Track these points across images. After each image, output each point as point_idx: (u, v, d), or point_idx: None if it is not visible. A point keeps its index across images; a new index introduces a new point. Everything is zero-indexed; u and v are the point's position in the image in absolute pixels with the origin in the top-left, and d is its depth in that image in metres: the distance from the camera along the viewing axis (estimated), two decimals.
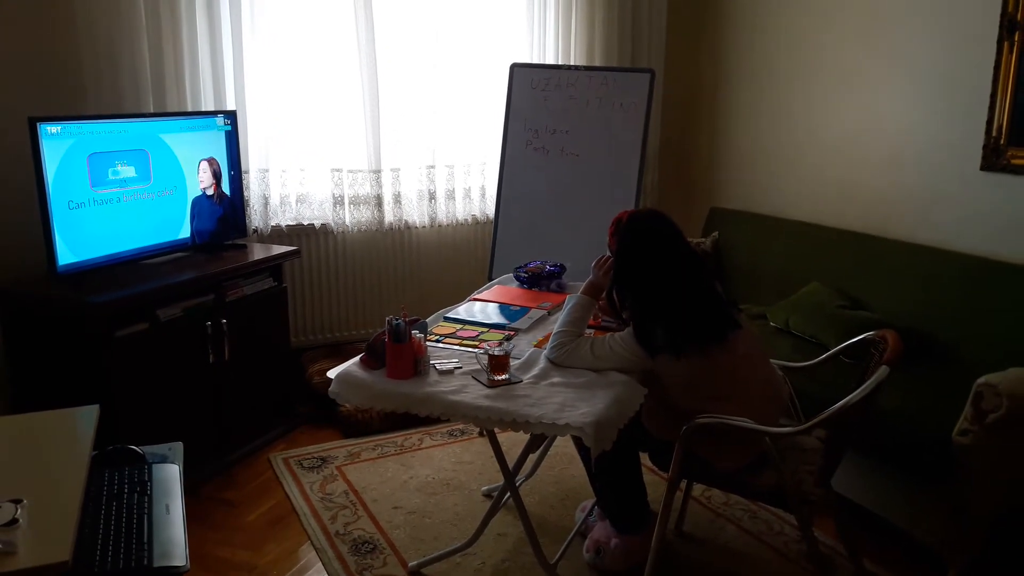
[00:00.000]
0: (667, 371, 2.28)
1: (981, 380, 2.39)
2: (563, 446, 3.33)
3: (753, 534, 2.85)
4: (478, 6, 4.18)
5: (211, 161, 3.36)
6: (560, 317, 2.43)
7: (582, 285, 2.52)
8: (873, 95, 3.67)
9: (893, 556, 2.70)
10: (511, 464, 2.47)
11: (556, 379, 2.24)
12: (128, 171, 3.05)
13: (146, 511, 1.69)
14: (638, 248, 2.33)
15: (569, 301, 2.45)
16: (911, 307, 3.22)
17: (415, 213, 4.21)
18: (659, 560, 2.32)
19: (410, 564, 2.62)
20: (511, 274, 3.28)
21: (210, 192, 3.38)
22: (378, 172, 4.03)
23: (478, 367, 2.29)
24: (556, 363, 2.33)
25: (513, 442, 3.22)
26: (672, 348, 2.23)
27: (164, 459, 1.96)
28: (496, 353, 2.23)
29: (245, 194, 3.67)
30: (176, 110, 3.43)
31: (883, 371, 2.12)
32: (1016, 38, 3.03)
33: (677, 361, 2.23)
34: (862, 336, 2.44)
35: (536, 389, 2.18)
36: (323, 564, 2.66)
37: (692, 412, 2.24)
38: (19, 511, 1.41)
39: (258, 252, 3.48)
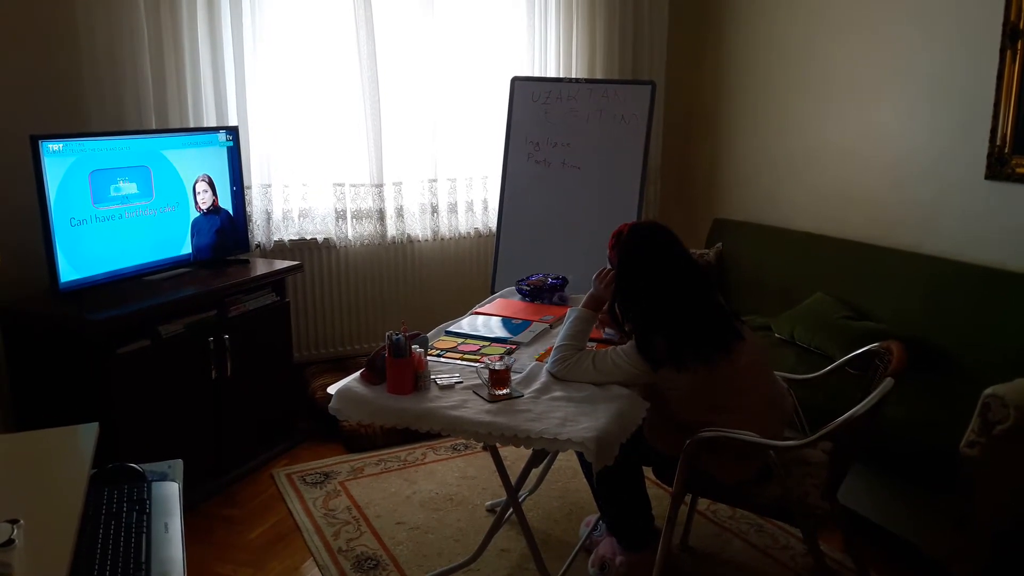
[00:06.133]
0: (670, 383, 2.27)
1: (988, 391, 2.37)
2: (567, 460, 3.31)
3: (759, 548, 2.82)
4: (479, 20, 4.19)
5: (207, 178, 3.36)
6: (561, 331, 2.41)
7: (583, 298, 2.51)
8: (876, 105, 3.66)
9: (900, 569, 2.67)
10: (514, 479, 2.45)
11: (558, 393, 2.22)
12: (130, 188, 3.05)
13: (144, 530, 1.67)
14: (640, 260, 2.32)
15: (570, 315, 2.44)
16: (916, 317, 3.19)
17: (417, 227, 4.21)
18: (664, 574, 2.30)
19: None
20: (513, 287, 3.27)
21: (209, 209, 3.38)
22: (380, 186, 4.03)
23: (479, 382, 2.28)
24: (558, 377, 2.31)
25: (517, 456, 3.20)
26: (675, 360, 2.21)
27: (164, 477, 1.94)
28: (497, 367, 2.22)
29: (248, 209, 3.68)
30: (178, 126, 3.44)
31: (888, 383, 2.10)
32: (1019, 46, 3.02)
33: (679, 373, 2.22)
34: (867, 348, 2.42)
35: (537, 404, 2.17)
36: None
37: (694, 424, 2.22)
38: (15, 531, 1.40)
39: (260, 267, 3.48)
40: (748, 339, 2.31)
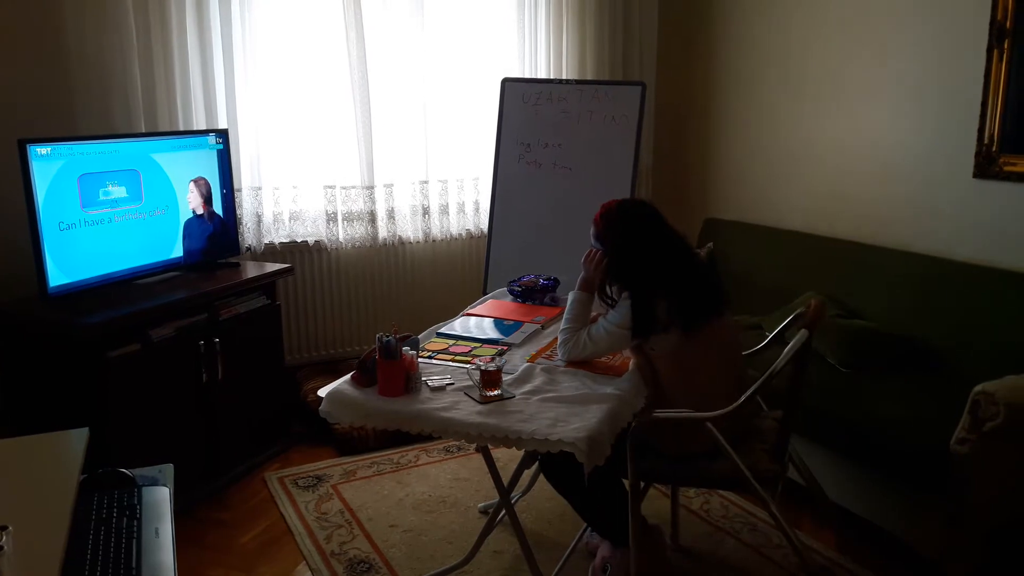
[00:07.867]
0: (660, 345, 2.33)
1: (978, 388, 2.38)
2: None
3: (752, 547, 2.82)
4: (469, 21, 4.19)
5: (199, 181, 3.36)
6: (564, 316, 2.50)
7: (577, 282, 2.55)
8: (865, 104, 3.68)
9: (893, 568, 2.68)
10: (506, 480, 2.45)
11: (549, 394, 2.22)
12: (119, 191, 3.04)
13: (135, 535, 1.66)
14: (634, 233, 2.40)
15: (568, 299, 2.53)
16: (906, 315, 3.21)
17: (409, 228, 4.20)
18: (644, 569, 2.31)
19: None
20: (505, 288, 3.27)
21: (200, 212, 3.37)
22: (371, 188, 4.03)
23: (470, 383, 2.28)
24: (569, 361, 2.41)
25: (510, 457, 3.20)
26: (664, 323, 2.30)
27: (154, 482, 1.93)
28: (488, 368, 2.22)
29: (238, 212, 3.67)
30: (167, 129, 3.43)
31: (802, 334, 2.19)
32: (1005, 46, 3.03)
33: (666, 333, 2.31)
34: (793, 315, 2.52)
35: (528, 404, 2.16)
36: None
37: (676, 389, 2.31)
38: (4, 538, 1.39)
39: (251, 270, 3.47)
40: (728, 314, 2.43)
